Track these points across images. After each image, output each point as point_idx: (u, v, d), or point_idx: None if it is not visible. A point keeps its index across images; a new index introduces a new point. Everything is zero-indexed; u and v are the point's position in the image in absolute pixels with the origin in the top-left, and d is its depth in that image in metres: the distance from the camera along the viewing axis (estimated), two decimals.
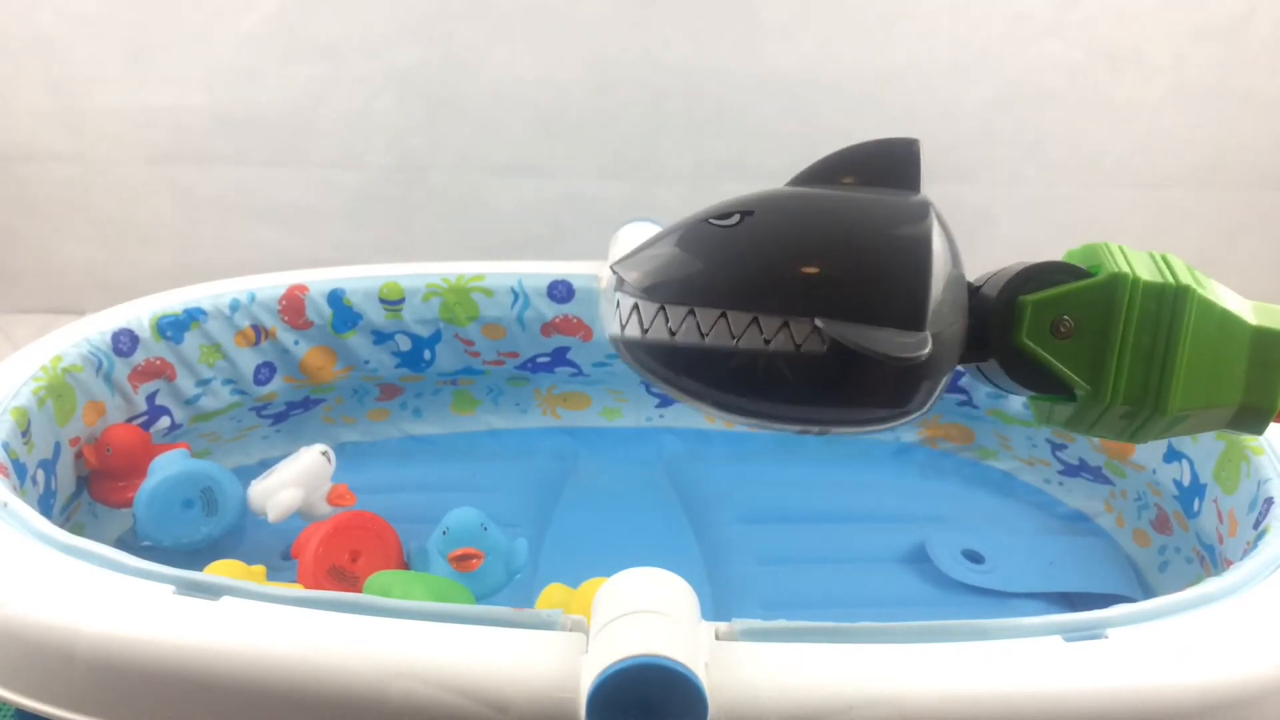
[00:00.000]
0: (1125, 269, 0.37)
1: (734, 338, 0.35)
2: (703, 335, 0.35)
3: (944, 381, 0.37)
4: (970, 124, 1.04)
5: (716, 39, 1.01)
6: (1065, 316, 0.37)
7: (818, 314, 0.34)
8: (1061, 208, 1.07)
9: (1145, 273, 0.37)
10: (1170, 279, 0.37)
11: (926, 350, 0.34)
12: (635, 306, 0.37)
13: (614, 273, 0.38)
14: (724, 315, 0.35)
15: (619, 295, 0.38)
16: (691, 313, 0.35)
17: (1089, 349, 0.37)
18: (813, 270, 0.35)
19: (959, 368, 0.39)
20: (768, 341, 0.34)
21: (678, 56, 1.01)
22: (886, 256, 0.35)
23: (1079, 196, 1.07)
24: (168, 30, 1.01)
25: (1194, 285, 0.37)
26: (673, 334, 0.36)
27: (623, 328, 0.38)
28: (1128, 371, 0.37)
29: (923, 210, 0.36)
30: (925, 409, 0.37)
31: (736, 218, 0.36)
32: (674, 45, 1.01)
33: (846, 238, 0.35)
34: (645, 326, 0.37)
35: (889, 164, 0.38)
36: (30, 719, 0.41)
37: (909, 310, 0.34)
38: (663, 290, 0.36)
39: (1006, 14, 1.00)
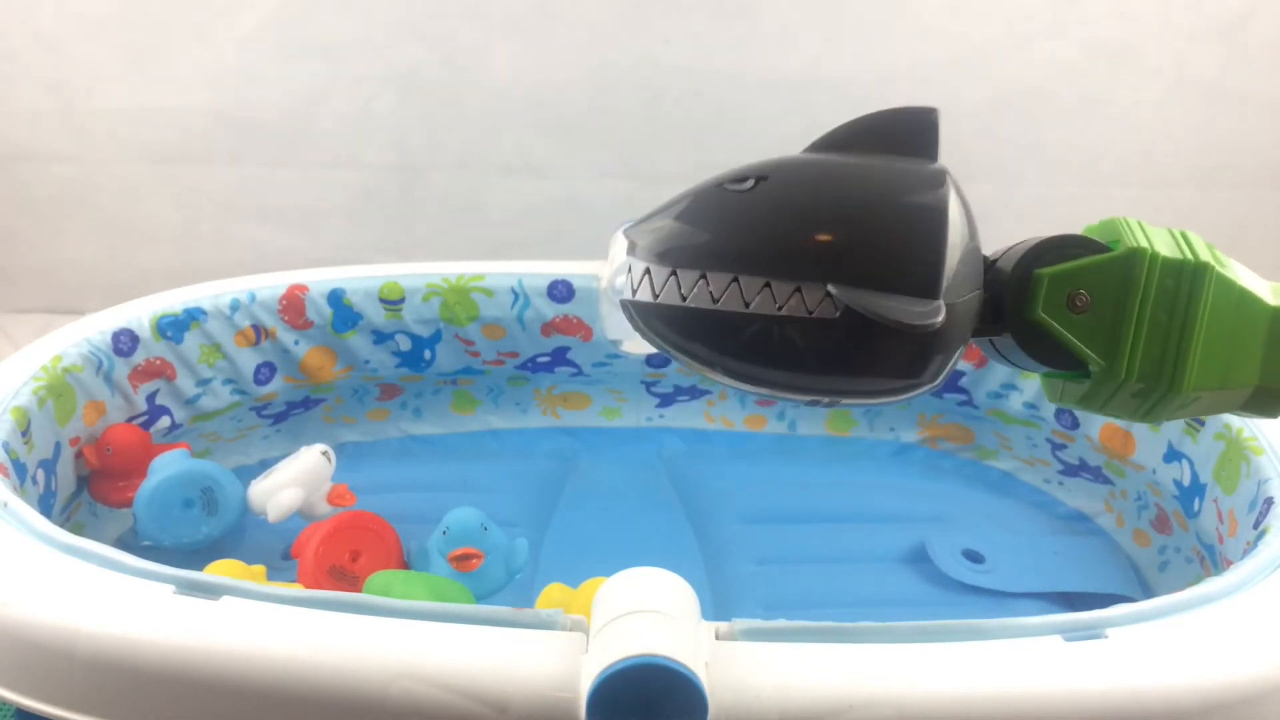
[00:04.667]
0: (1144, 244, 0.36)
1: (746, 303, 0.34)
2: (715, 300, 0.35)
3: (957, 355, 0.37)
4: (970, 124, 1.04)
5: (716, 39, 1.01)
6: (1081, 290, 0.36)
7: (831, 280, 0.33)
8: (1062, 208, 1.07)
9: (1164, 249, 0.37)
10: (1189, 256, 0.37)
11: (940, 319, 0.33)
12: (647, 271, 0.36)
13: (626, 238, 0.38)
14: (736, 280, 0.34)
15: (630, 260, 0.38)
16: (704, 277, 0.35)
17: (1105, 324, 0.36)
18: (826, 236, 0.34)
19: (973, 342, 0.39)
20: (780, 307, 0.34)
21: (677, 57, 1.01)
22: (901, 223, 0.35)
23: (1079, 197, 1.07)
24: (168, 30, 1.01)
25: (1213, 263, 0.37)
26: (684, 299, 0.35)
27: (634, 292, 0.37)
28: (1144, 348, 0.36)
29: (940, 178, 0.36)
30: (937, 381, 0.37)
31: (751, 183, 0.36)
32: (674, 46, 1.01)
33: (861, 204, 0.35)
34: (656, 291, 0.36)
35: (907, 132, 0.38)
36: (31, 719, 0.41)
37: (923, 279, 0.34)
38: (675, 255, 0.36)
39: (1006, 14, 1.00)
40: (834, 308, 0.34)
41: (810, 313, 0.34)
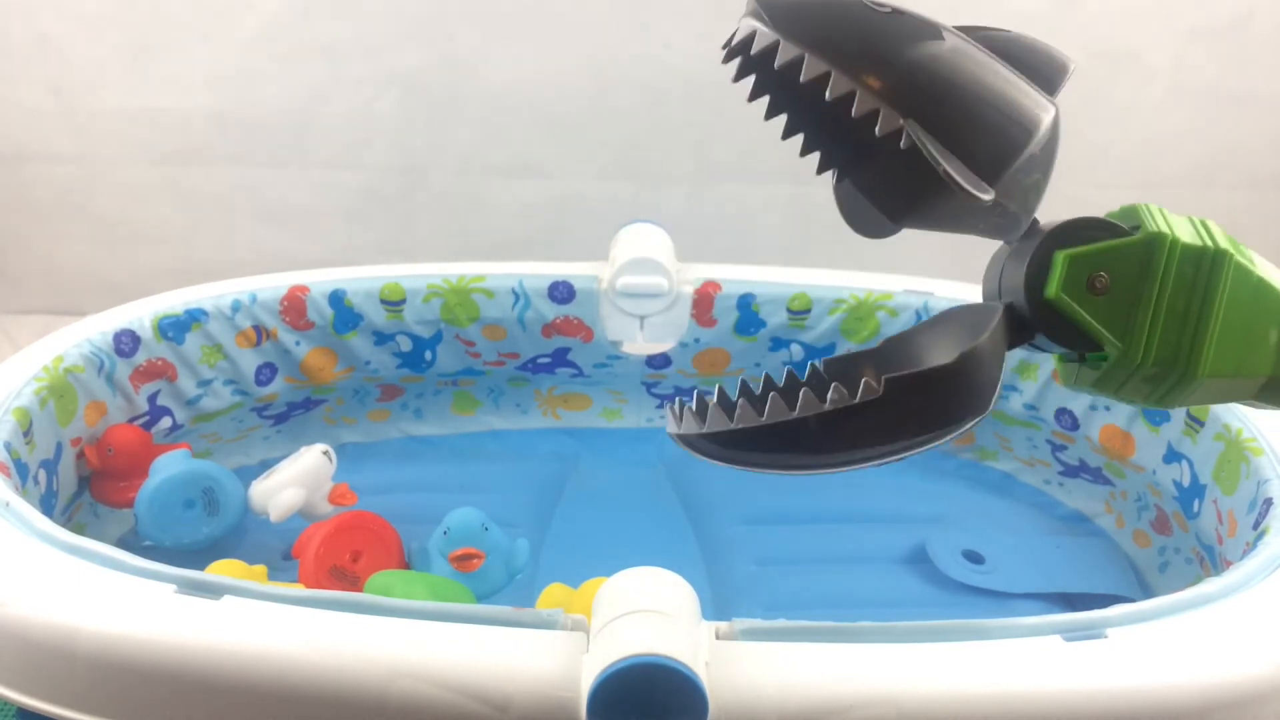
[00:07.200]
0: (1165, 229, 0.37)
1: (790, 407, 0.33)
2: (759, 414, 0.34)
3: (999, 376, 0.37)
4: None
5: (717, 40, 1.00)
6: (1101, 272, 0.37)
7: (917, 113, 0.34)
8: (1061, 208, 1.07)
9: (1184, 235, 0.37)
10: (1209, 243, 0.37)
11: (986, 198, 0.34)
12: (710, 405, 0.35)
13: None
14: (802, 57, 0.35)
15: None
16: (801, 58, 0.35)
17: (1123, 307, 0.37)
18: (934, 75, 0.35)
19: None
20: (823, 402, 0.34)
21: (678, 57, 1.01)
22: (1001, 108, 0.35)
23: (1079, 196, 1.07)
24: (169, 31, 1.01)
25: (1232, 251, 0.37)
26: (738, 426, 0.35)
27: (678, 422, 0.36)
28: (1160, 332, 0.37)
29: (1049, 106, 0.37)
30: (992, 405, 0.37)
31: (890, 10, 0.36)
32: (674, 46, 1.01)
33: (978, 72, 0.35)
34: (705, 426, 0.35)
35: (1042, 63, 0.39)
36: (32, 718, 0.42)
37: (990, 160, 0.34)
38: (795, 24, 0.36)
39: (1006, 14, 1.00)
40: (875, 387, 0.34)
41: (855, 400, 0.34)
